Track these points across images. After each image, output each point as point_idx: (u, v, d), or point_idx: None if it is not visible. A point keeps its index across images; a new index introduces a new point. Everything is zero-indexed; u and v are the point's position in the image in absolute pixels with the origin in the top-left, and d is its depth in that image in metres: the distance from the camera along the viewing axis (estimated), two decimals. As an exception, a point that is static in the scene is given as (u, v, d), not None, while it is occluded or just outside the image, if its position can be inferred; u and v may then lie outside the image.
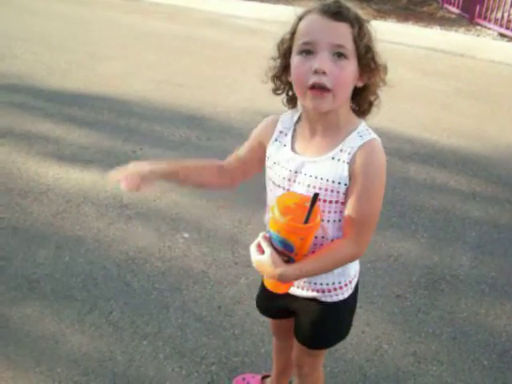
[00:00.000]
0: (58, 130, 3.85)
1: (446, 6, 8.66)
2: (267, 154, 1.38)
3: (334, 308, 1.44)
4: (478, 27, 7.60)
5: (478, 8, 7.77)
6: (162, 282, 2.45)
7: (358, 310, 2.34)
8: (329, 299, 1.42)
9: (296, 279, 1.33)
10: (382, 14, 7.82)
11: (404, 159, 3.77)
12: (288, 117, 1.38)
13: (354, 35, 1.19)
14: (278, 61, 1.31)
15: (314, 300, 1.43)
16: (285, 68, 1.30)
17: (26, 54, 5.33)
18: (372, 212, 1.28)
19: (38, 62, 5.15)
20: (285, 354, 1.77)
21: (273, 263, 1.23)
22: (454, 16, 8.19)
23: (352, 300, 1.49)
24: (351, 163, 1.25)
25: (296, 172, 1.31)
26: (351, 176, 1.25)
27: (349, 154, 1.25)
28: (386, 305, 2.42)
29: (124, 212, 2.95)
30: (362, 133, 1.28)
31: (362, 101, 1.33)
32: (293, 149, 1.34)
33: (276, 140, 1.37)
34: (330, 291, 1.41)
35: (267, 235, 1.27)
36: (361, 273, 2.56)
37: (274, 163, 1.36)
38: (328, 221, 1.30)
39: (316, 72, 1.18)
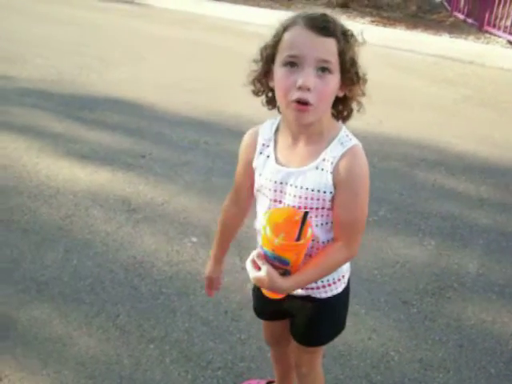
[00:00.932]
0: (67, 133, 3.88)
1: (455, 13, 8.65)
2: (254, 167, 1.40)
3: (328, 303, 1.47)
4: (487, 35, 7.59)
5: (487, 16, 7.77)
6: (170, 287, 2.46)
7: (364, 316, 2.37)
8: (323, 295, 1.45)
9: (295, 290, 1.36)
10: (392, 21, 7.82)
11: (412, 165, 3.77)
12: (267, 127, 1.40)
13: (339, 50, 1.20)
14: (260, 65, 1.32)
15: (308, 297, 1.45)
16: (266, 73, 1.31)
17: (37, 59, 5.38)
18: (360, 216, 1.32)
19: (49, 66, 5.20)
20: (283, 360, 1.80)
21: (271, 279, 1.26)
22: (463, 24, 8.18)
23: (345, 294, 1.52)
24: (334, 172, 1.28)
25: (282, 183, 1.34)
26: (336, 184, 1.28)
27: (331, 163, 1.28)
28: (392, 311, 2.42)
29: (132, 216, 2.97)
30: (343, 139, 1.30)
31: (343, 109, 1.35)
32: (277, 159, 1.36)
33: (260, 153, 1.39)
34: (324, 287, 1.44)
35: (261, 252, 1.28)
36: (367, 279, 2.58)
37: (260, 175, 1.38)
38: (316, 225, 1.34)
39: (300, 88, 1.19)
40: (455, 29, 7.79)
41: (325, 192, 1.29)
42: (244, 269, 2.75)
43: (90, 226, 2.87)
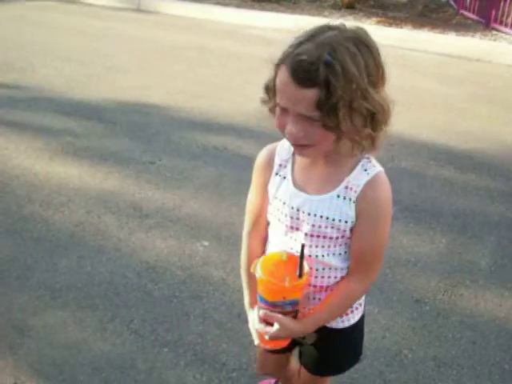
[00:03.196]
0: (77, 141, 3.92)
1: (461, 11, 8.63)
2: (268, 188, 1.32)
3: (345, 333, 1.41)
4: (494, 32, 7.55)
5: (493, 13, 7.73)
6: (183, 290, 2.48)
7: (377, 315, 2.38)
8: (340, 325, 1.39)
9: (312, 331, 1.32)
10: (398, 21, 7.81)
11: (421, 164, 3.76)
12: (285, 147, 1.31)
13: (319, 100, 1.07)
14: (270, 104, 1.22)
15: (323, 328, 1.36)
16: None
17: (45, 67, 5.45)
18: (381, 247, 1.27)
19: (58, 75, 5.25)
20: (281, 373, 1.71)
21: (287, 328, 1.24)
22: (469, 21, 8.16)
23: (361, 323, 1.46)
24: (358, 202, 1.21)
25: (298, 210, 1.26)
26: (358, 214, 1.22)
27: (355, 191, 1.21)
28: (405, 310, 2.42)
29: (144, 221, 2.99)
30: (367, 166, 1.23)
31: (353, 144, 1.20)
32: (294, 182, 1.28)
33: (276, 174, 1.31)
34: (341, 317, 1.38)
35: (267, 306, 1.24)
36: (379, 278, 2.57)
37: (276, 198, 1.31)
38: (334, 254, 1.28)
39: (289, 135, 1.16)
40: (462, 27, 7.77)
41: (346, 222, 1.23)
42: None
43: (102, 232, 2.90)
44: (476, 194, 3.43)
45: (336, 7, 8.39)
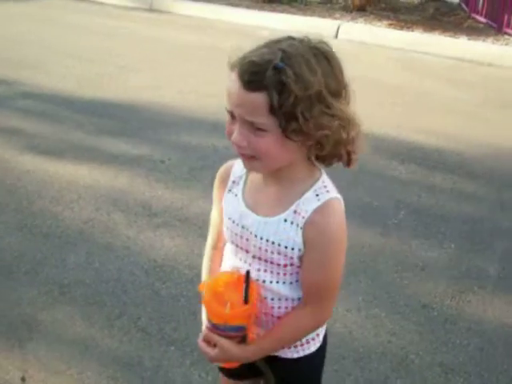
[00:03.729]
0: (88, 139, 3.94)
1: (473, 15, 8.60)
2: (222, 206, 1.27)
3: (298, 365, 1.30)
4: (507, 36, 7.51)
5: (506, 17, 7.70)
6: (190, 289, 2.48)
7: (383, 319, 2.37)
8: (295, 355, 1.29)
9: (256, 358, 1.24)
10: (409, 24, 7.79)
11: (430, 168, 3.75)
12: (240, 165, 1.22)
13: (270, 105, 1.02)
14: None
15: (275, 357, 1.27)
16: None
17: (57, 66, 5.47)
18: (333, 279, 1.18)
19: (69, 73, 5.28)
20: None
21: (227, 352, 1.17)
22: (481, 25, 8.12)
23: (320, 355, 1.34)
24: (305, 228, 1.12)
25: (247, 230, 1.20)
26: (306, 242, 1.13)
27: (303, 217, 1.12)
28: (412, 315, 2.41)
29: (152, 220, 3.00)
30: (319, 191, 1.14)
31: (321, 156, 1.13)
32: (244, 201, 1.21)
33: (229, 191, 1.25)
34: (296, 347, 1.28)
35: (210, 327, 1.19)
36: (386, 282, 2.58)
37: (227, 216, 1.24)
38: (284, 282, 1.20)
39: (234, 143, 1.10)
40: (473, 31, 7.73)
41: (293, 249, 1.14)
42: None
43: (111, 230, 2.91)
44: (485, 200, 3.42)
45: (347, 9, 8.38)
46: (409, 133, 4.21)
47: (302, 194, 1.14)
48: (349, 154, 1.13)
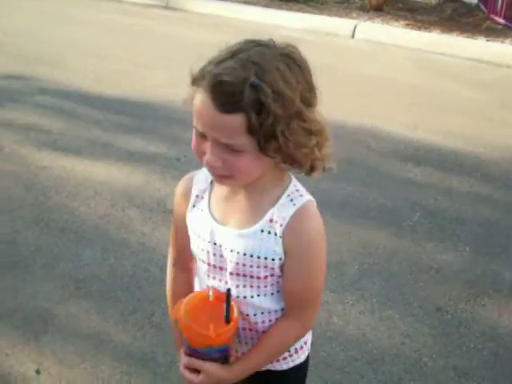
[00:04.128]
0: (104, 136, 3.97)
1: (491, 16, 8.51)
2: (187, 222, 1.19)
3: (287, 376, 1.26)
4: (526, 38, 7.43)
5: (525, 19, 7.61)
6: (203, 287, 2.49)
7: (397, 321, 2.36)
8: (284, 366, 1.25)
9: (244, 377, 1.18)
10: (427, 25, 7.74)
11: (447, 170, 3.72)
12: (202, 177, 1.18)
13: (248, 126, 0.96)
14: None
15: (264, 371, 1.23)
16: None
17: (76, 63, 5.52)
18: (315, 287, 1.15)
19: (87, 70, 5.32)
20: None
21: (218, 377, 1.12)
22: (500, 27, 8.04)
23: (306, 364, 1.31)
24: (285, 236, 1.08)
25: (221, 246, 1.13)
26: (286, 250, 1.09)
27: (281, 225, 1.07)
28: (426, 317, 2.40)
29: (168, 217, 3.02)
30: (293, 195, 1.09)
31: (293, 166, 1.08)
32: (212, 215, 1.14)
33: (194, 206, 1.17)
34: (285, 359, 1.24)
35: (190, 352, 1.12)
36: (401, 284, 2.57)
37: (194, 234, 1.17)
38: (265, 295, 1.15)
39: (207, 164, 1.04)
40: (492, 32, 7.66)
41: (273, 259, 1.09)
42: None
43: (126, 225, 2.93)
44: (502, 203, 3.39)
45: (364, 9, 8.33)
46: (425, 134, 4.18)
47: (275, 200, 1.09)
48: (312, 164, 1.07)
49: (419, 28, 7.57)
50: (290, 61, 1.00)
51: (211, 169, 1.05)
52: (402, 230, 3.01)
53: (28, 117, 4.23)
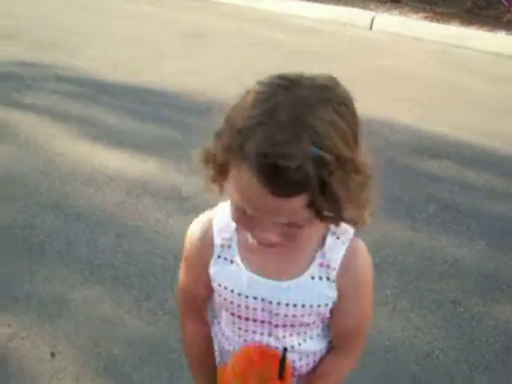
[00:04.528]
0: (120, 124, 3.99)
1: (513, 9, 8.38)
2: (211, 275, 1.06)
3: None
4: (547, 32, 7.32)
5: (547, 12, 7.49)
6: (217, 275, 2.50)
7: (409, 313, 2.36)
8: None
9: None
10: (446, 17, 7.65)
11: (463, 164, 3.69)
12: (224, 222, 1.03)
13: (311, 201, 0.82)
14: (211, 166, 0.94)
15: None
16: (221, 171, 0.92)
17: (92, 50, 5.53)
18: (367, 315, 1.10)
19: (104, 58, 5.33)
20: None
21: None
22: (521, 20, 7.92)
23: None
24: (338, 279, 1.00)
25: (263, 300, 1.02)
26: (340, 292, 1.01)
27: (334, 268, 0.99)
28: (439, 310, 2.39)
29: (182, 205, 3.03)
30: (338, 232, 1.00)
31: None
32: (248, 267, 1.01)
33: (219, 257, 1.04)
34: None
35: None
36: (415, 277, 2.56)
37: (222, 286, 1.05)
38: (311, 338, 1.09)
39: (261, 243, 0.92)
40: (512, 26, 7.54)
41: (326, 305, 1.02)
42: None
43: (141, 213, 2.95)
44: (518, 198, 3.36)
45: (381, 0, 8.25)
46: (442, 127, 4.15)
47: (322, 241, 0.99)
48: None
49: (438, 20, 7.48)
50: (336, 103, 0.83)
51: (268, 246, 0.92)
52: (417, 223, 3.00)
53: (44, 104, 4.26)
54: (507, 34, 7.12)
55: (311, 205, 0.82)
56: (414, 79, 5.22)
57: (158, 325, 2.22)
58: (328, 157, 0.79)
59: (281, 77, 0.87)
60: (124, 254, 2.62)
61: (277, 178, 0.78)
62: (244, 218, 0.89)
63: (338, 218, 0.89)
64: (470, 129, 4.26)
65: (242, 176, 0.82)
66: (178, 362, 2.05)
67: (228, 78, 5.03)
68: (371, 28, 6.98)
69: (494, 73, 5.76)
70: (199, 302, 1.16)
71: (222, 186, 0.94)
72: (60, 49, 5.51)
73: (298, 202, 0.81)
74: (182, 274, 1.16)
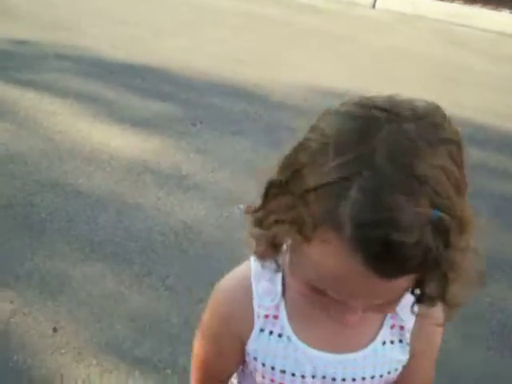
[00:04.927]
0: (120, 101, 3.96)
1: (517, -13, 8.28)
2: (249, 352, 0.88)
3: None
4: (552, 11, 7.23)
5: (552, -10, 7.39)
6: (218, 251, 2.51)
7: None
8: None
9: None
10: (449, -5, 7.55)
11: (475, 146, 3.65)
12: (266, 288, 0.85)
13: (422, 279, 0.65)
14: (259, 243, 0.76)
15: None
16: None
17: (92, 27, 5.47)
18: (433, 378, 0.97)
19: (103, 35, 5.28)
20: None
21: None
22: (525, -2, 7.82)
23: None
24: (413, 341, 0.86)
25: (324, 377, 0.84)
26: (413, 353, 0.87)
27: (408, 330, 0.85)
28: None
29: (183, 182, 3.02)
30: None
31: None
32: (305, 341, 0.84)
33: (262, 330, 0.85)
34: None
35: None
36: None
37: (274, 369, 0.86)
38: None
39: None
40: (517, 4, 7.45)
41: (396, 369, 0.88)
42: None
43: (141, 190, 2.94)
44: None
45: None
46: (446, 107, 4.11)
47: None
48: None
49: (441, -2, 7.39)
50: (447, 142, 0.64)
51: (346, 324, 0.73)
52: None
53: (43, 81, 4.22)
54: (510, 12, 7.04)
55: (420, 283, 0.65)
56: (417, 58, 5.17)
57: (159, 300, 2.23)
58: (447, 219, 0.59)
59: (375, 106, 0.65)
60: (124, 231, 2.62)
61: (388, 256, 0.57)
62: (321, 297, 0.69)
63: (439, 299, 0.68)
64: (474, 109, 4.23)
65: (328, 251, 0.61)
66: (179, 336, 2.06)
67: (229, 56, 4.99)
68: (374, 6, 6.90)
69: (497, 52, 5.71)
70: (223, 377, 0.97)
71: (276, 262, 0.77)
72: (60, 27, 5.45)
73: (406, 281, 0.63)
74: (202, 344, 0.94)
